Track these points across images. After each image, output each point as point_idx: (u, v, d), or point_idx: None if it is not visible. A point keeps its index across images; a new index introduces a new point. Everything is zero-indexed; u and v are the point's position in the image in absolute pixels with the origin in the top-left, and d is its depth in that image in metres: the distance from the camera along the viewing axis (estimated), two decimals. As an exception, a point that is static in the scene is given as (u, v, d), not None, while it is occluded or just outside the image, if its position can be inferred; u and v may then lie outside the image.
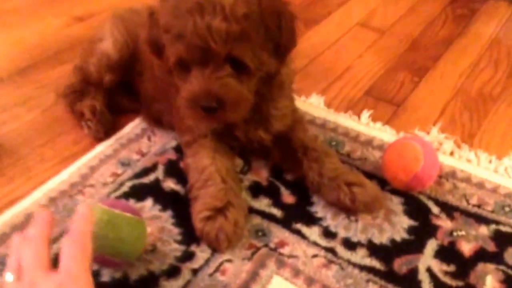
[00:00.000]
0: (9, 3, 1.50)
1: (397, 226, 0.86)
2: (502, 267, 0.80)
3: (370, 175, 0.94)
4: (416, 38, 1.42)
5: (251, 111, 0.87)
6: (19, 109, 1.12)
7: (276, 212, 0.88)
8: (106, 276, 0.77)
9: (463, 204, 0.91)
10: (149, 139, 1.04)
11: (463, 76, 1.26)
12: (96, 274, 0.76)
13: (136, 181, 0.93)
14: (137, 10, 1.10)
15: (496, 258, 0.82)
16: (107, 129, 1.03)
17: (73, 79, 1.11)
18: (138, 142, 1.02)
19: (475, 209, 0.90)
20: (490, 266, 0.80)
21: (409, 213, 0.88)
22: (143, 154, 1.00)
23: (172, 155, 0.99)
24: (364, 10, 1.55)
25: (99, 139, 1.03)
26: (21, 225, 0.84)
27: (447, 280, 0.78)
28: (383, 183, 0.93)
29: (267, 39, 0.78)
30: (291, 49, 0.83)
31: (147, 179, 0.94)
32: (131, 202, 0.89)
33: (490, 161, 1.00)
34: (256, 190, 0.93)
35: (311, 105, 1.15)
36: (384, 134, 1.06)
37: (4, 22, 1.42)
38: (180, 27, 0.75)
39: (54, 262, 0.59)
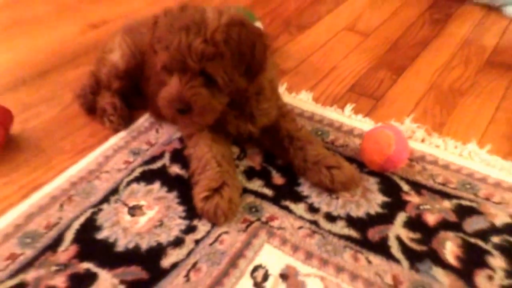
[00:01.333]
0: (30, 12, 1.65)
1: (372, 202, 1.00)
2: (460, 235, 0.93)
3: (351, 159, 1.07)
4: (396, 40, 1.57)
5: (239, 109, 1.02)
6: (41, 107, 1.25)
7: (268, 191, 1.02)
8: (120, 247, 0.90)
9: (430, 183, 1.04)
10: (157, 131, 1.17)
11: (437, 73, 1.40)
12: (111, 245, 0.90)
13: (146, 167, 1.07)
14: (145, 21, 1.23)
15: (455, 227, 0.95)
16: (126, 122, 1.18)
17: (86, 82, 1.26)
18: (147, 134, 1.16)
19: (440, 187, 1.03)
20: (450, 234, 0.94)
21: (383, 191, 1.02)
22: (151, 144, 1.14)
23: (177, 145, 1.13)
24: (350, 16, 1.70)
25: (119, 131, 1.17)
26: (46, 207, 0.98)
27: (413, 245, 0.91)
28: (361, 166, 1.07)
29: (240, 62, 0.92)
30: (259, 73, 0.96)
31: (155, 166, 1.08)
32: (142, 184, 1.03)
33: (456, 147, 1.13)
34: (250, 173, 1.06)
35: (301, 100, 1.28)
36: (364, 124, 1.20)
37: (26, 30, 1.56)
38: (168, 41, 0.90)
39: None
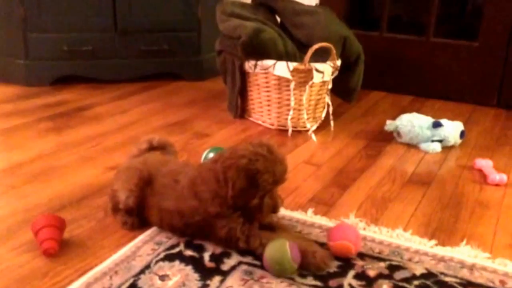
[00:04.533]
0: (59, 161, 2.13)
1: (331, 266, 1.42)
2: (392, 281, 1.36)
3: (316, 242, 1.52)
4: (341, 169, 2.11)
5: None
6: (81, 222, 1.66)
7: (258, 262, 1.43)
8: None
9: (370, 252, 1.49)
10: (172, 230, 1.61)
11: (372, 189, 1.92)
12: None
13: (168, 252, 1.48)
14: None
15: (388, 277, 1.38)
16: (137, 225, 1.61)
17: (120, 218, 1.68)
18: (165, 232, 1.59)
19: (377, 254, 1.48)
20: (385, 281, 1.36)
21: (338, 259, 1.45)
22: (170, 238, 1.56)
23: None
24: (306, 154, 2.27)
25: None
26: (99, 278, 1.36)
27: (360, 288, 1.34)
28: (322, 244, 1.51)
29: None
30: None
31: (174, 251, 1.49)
32: (166, 262, 1.43)
33: (388, 231, 1.60)
34: (244, 253, 1.48)
35: (275, 209, 1.76)
36: (321, 220, 1.66)
37: (59, 173, 2.02)
38: None
39: None
